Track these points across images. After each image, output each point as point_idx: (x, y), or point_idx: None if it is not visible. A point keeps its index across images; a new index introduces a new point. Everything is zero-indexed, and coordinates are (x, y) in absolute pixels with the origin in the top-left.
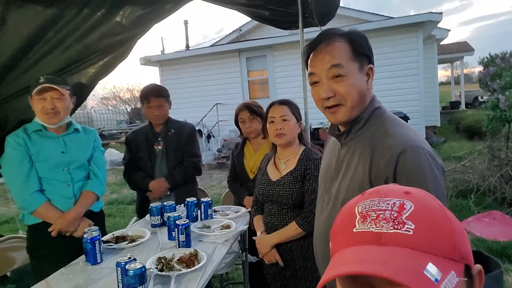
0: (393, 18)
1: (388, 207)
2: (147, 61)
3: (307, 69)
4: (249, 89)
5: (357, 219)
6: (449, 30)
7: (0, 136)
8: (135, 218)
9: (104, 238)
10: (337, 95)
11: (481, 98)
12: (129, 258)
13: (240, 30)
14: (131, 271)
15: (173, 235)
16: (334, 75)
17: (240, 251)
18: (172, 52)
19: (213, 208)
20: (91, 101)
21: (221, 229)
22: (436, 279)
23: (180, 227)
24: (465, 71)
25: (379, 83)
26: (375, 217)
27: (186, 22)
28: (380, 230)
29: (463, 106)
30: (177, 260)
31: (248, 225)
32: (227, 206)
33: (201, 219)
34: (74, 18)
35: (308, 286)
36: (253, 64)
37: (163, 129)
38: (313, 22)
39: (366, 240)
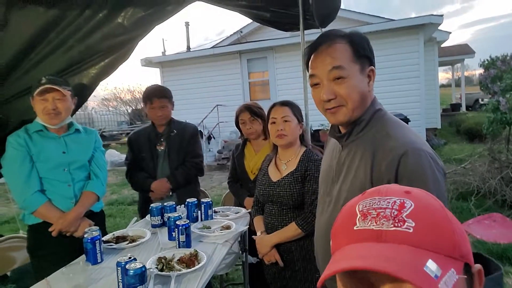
0: (394, 20)
1: (388, 205)
2: (148, 62)
3: (307, 71)
4: (250, 90)
5: (358, 217)
6: (450, 33)
7: (1, 136)
8: (135, 218)
9: (104, 238)
10: (338, 97)
11: (482, 100)
12: (130, 258)
13: (241, 31)
14: (131, 271)
15: (173, 235)
16: (335, 77)
17: (240, 252)
18: (173, 53)
19: (213, 209)
20: (92, 102)
21: (221, 230)
22: (436, 276)
23: (180, 227)
24: (465, 73)
25: (379, 85)
26: (375, 215)
27: (187, 24)
28: (380, 228)
29: (463, 108)
30: (177, 260)
31: (248, 226)
32: (227, 207)
33: (201, 220)
34: (76, 19)
35: (307, 287)
36: (254, 65)
37: (165, 130)
38: (314, 24)
39: (366, 237)
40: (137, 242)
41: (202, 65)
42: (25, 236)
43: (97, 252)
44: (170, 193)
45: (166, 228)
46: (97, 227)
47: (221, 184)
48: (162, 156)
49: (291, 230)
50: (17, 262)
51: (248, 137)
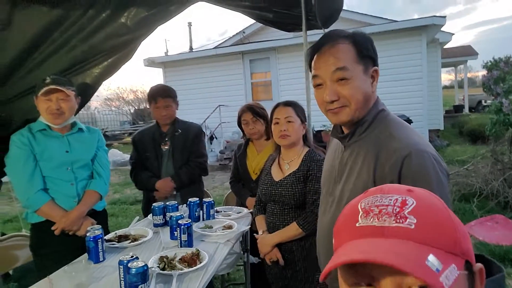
0: (396, 21)
1: (390, 202)
2: (151, 62)
3: (310, 71)
4: (252, 91)
5: (360, 214)
6: (453, 34)
7: (5, 135)
8: (137, 217)
9: (106, 237)
10: (341, 98)
11: (485, 102)
12: (132, 256)
13: (244, 32)
14: (133, 269)
15: (175, 234)
16: (339, 78)
17: (242, 252)
18: (176, 53)
19: (215, 208)
20: (95, 102)
21: (223, 229)
22: (437, 269)
23: (182, 226)
24: (468, 75)
25: (382, 86)
26: (377, 212)
27: (190, 24)
28: (382, 224)
29: (466, 110)
30: (179, 259)
31: (250, 226)
32: (229, 207)
33: (203, 219)
34: (80, 19)
35: (308, 287)
36: (257, 66)
37: (170, 129)
38: (316, 24)
39: (368, 234)
40: (139, 241)
41: (205, 65)
42: (28, 234)
43: (99, 250)
44: (174, 192)
45: (168, 227)
46: (100, 226)
47: (223, 184)
48: (166, 155)
49: (292, 230)
50: (19, 260)
51: (250, 137)
